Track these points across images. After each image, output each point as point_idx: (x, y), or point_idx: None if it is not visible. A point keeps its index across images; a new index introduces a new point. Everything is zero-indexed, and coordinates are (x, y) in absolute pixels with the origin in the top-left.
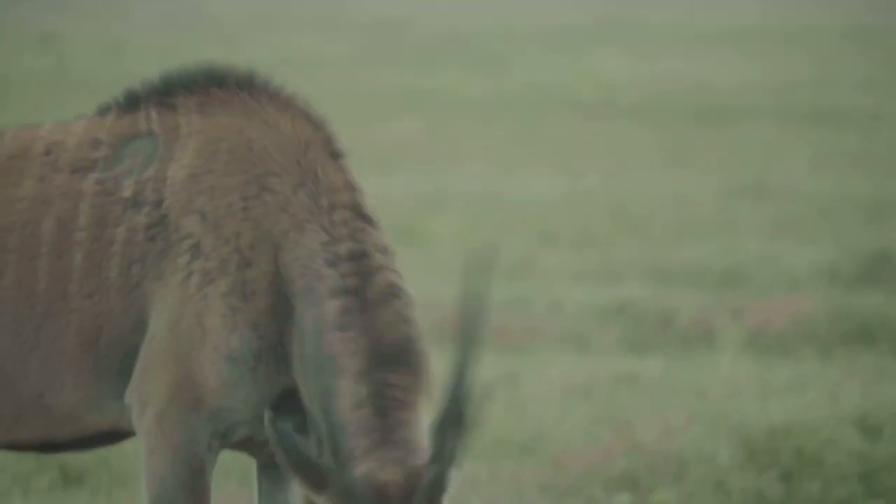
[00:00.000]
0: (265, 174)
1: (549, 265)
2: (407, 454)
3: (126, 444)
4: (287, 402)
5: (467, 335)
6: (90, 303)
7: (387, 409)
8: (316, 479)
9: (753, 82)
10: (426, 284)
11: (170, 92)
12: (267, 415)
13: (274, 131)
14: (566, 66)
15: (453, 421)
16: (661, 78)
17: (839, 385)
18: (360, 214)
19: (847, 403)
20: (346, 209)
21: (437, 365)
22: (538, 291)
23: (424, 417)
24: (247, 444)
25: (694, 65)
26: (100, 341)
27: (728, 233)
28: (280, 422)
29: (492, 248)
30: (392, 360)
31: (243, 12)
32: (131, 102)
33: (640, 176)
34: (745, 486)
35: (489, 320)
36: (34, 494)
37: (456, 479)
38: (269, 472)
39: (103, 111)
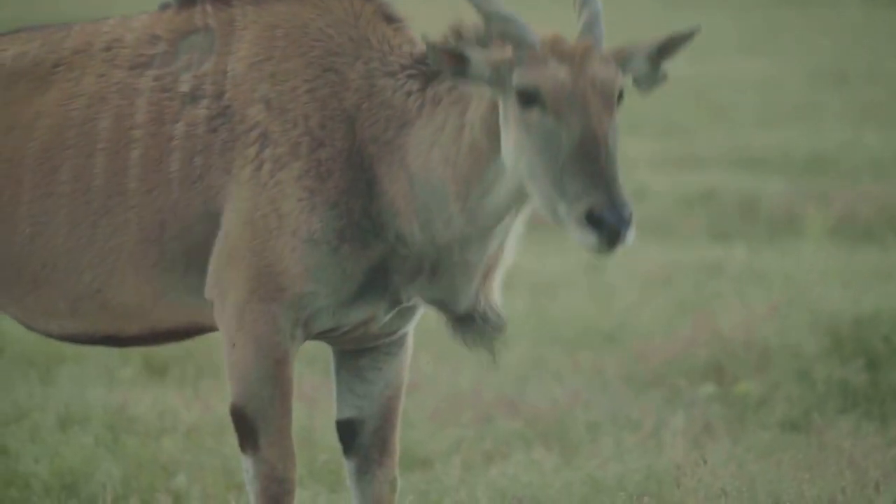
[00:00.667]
0: (324, 54)
1: (633, 153)
2: None
3: (211, 336)
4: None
5: None
6: (150, 198)
7: None
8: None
9: None
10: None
11: None
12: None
13: (326, 12)
14: None
15: None
16: None
17: None
18: (417, 61)
19: None
20: (402, 61)
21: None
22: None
23: None
24: (330, 335)
25: None
26: (163, 236)
27: (813, 118)
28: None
29: None
30: None
31: None
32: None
33: (722, 62)
34: (830, 376)
35: None
36: (119, 385)
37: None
38: (349, 363)
39: (163, 6)
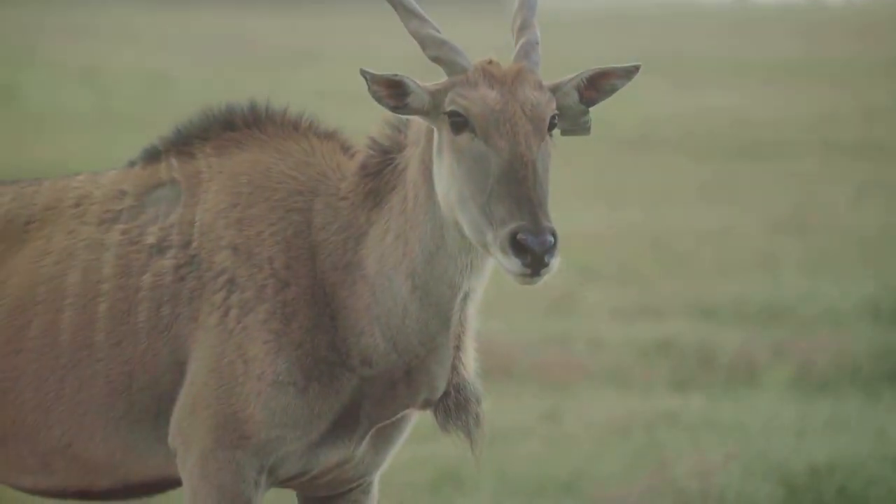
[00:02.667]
0: (287, 196)
1: (591, 301)
2: None
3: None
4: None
5: None
6: (118, 350)
7: None
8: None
9: (794, 116)
10: None
11: (186, 141)
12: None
13: (286, 155)
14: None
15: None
16: (702, 112)
17: (883, 423)
18: (361, 172)
19: (892, 442)
20: (351, 182)
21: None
22: (579, 328)
23: None
24: (301, 480)
25: (735, 99)
26: (131, 387)
27: (770, 268)
28: None
29: None
30: None
31: (286, 45)
32: (153, 155)
33: (681, 210)
34: None
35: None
36: None
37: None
38: None
39: (131, 164)
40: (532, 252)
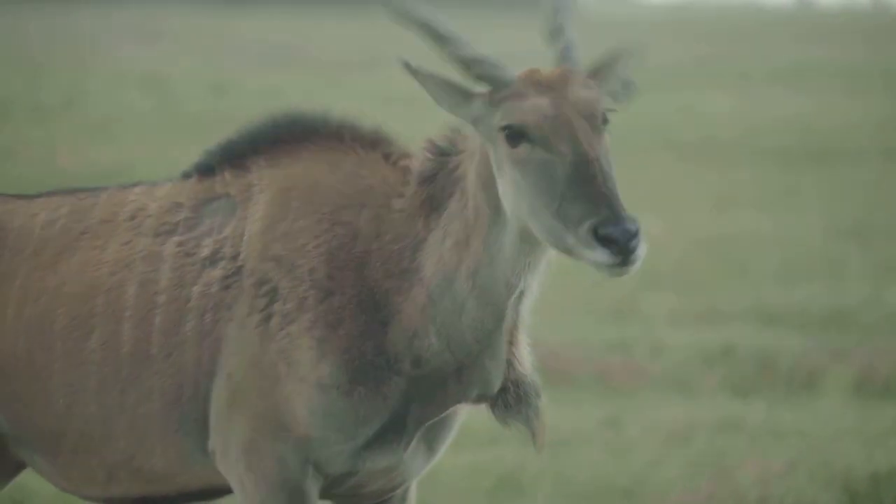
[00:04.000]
0: (334, 209)
1: (651, 307)
2: None
3: None
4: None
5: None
6: (170, 362)
7: None
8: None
9: (857, 122)
10: (529, 325)
11: (241, 153)
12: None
13: (335, 167)
14: (668, 106)
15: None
16: (764, 117)
17: None
18: (416, 181)
19: None
20: (402, 193)
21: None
22: (640, 334)
23: None
24: (351, 488)
25: (797, 104)
26: (181, 399)
27: (832, 275)
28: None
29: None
30: None
31: (350, 51)
32: (208, 168)
33: (742, 216)
34: None
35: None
36: None
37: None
38: None
39: (186, 176)
40: (617, 242)
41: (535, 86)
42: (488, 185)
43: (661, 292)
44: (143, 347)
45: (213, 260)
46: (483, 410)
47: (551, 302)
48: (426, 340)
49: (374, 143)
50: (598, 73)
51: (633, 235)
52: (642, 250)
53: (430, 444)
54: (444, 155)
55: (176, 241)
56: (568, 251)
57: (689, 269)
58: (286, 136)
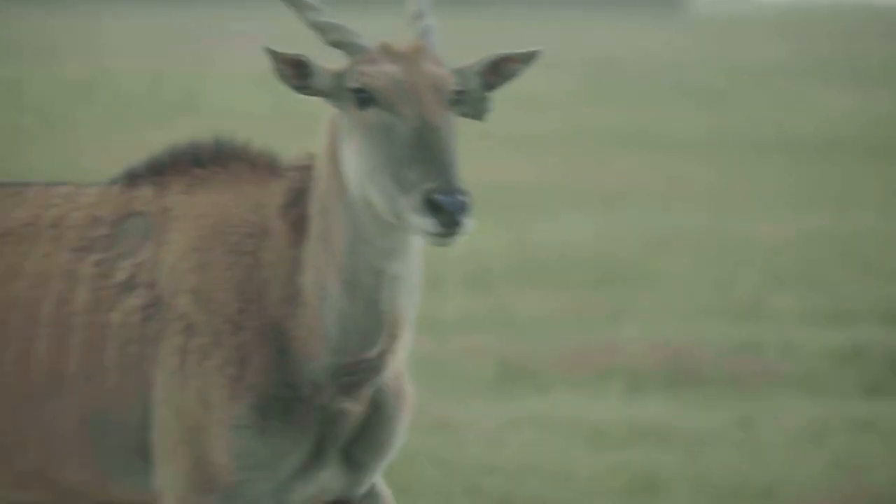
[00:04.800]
0: (241, 239)
1: (779, 307)
2: None
3: None
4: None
5: None
6: (89, 385)
7: None
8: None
9: None
10: (651, 326)
11: (161, 171)
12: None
13: (243, 196)
14: (786, 103)
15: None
16: (883, 114)
17: None
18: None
19: None
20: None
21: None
22: (769, 334)
23: None
24: None
25: None
26: (103, 422)
27: None
28: None
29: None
30: None
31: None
32: (132, 180)
33: (867, 214)
34: None
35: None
36: None
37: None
38: None
39: (112, 182)
40: (446, 211)
41: (389, 54)
42: (335, 162)
43: (788, 292)
44: (58, 367)
45: (129, 286)
46: (612, 411)
47: (677, 303)
48: (319, 362)
49: (282, 172)
50: (462, 69)
51: (462, 207)
52: (469, 223)
53: (354, 459)
54: (302, 183)
55: (93, 259)
56: (398, 215)
57: (813, 267)
58: (205, 160)
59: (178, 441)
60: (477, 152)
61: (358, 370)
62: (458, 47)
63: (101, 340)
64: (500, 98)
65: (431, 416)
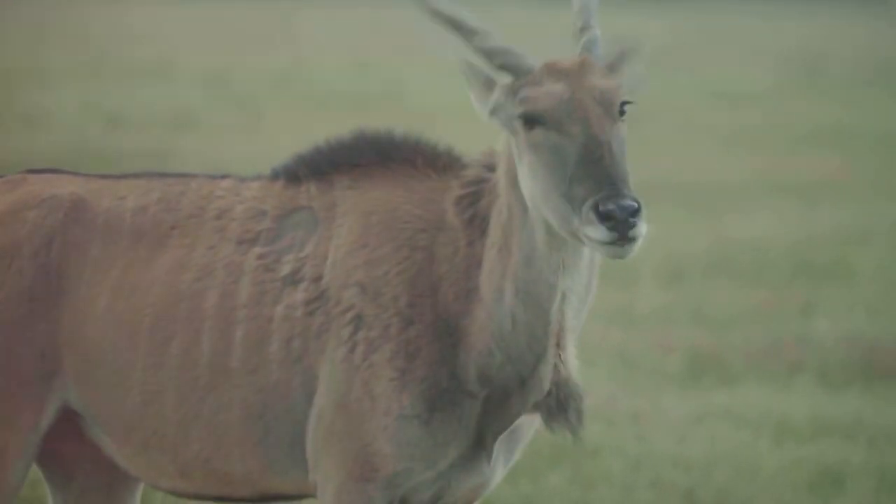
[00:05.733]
0: (412, 234)
1: None
2: None
3: None
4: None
5: None
6: (253, 378)
7: None
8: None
9: None
10: (849, 320)
11: (324, 168)
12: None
13: (411, 192)
14: None
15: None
16: None
17: None
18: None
19: None
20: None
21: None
22: None
23: None
24: None
25: None
26: (265, 416)
27: None
28: None
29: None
30: None
31: (662, 42)
32: (295, 175)
33: None
34: None
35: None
36: None
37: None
38: None
39: (274, 175)
40: (616, 218)
41: (553, 73)
42: (514, 180)
43: None
44: (222, 360)
45: (294, 280)
46: (800, 405)
47: (872, 297)
48: (490, 358)
49: (446, 166)
50: (614, 66)
51: (633, 212)
52: (642, 229)
53: (508, 453)
54: (479, 182)
55: (257, 252)
56: (574, 233)
57: None
58: (365, 158)
59: (340, 432)
60: (673, 147)
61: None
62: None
63: (264, 334)
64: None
65: (620, 408)
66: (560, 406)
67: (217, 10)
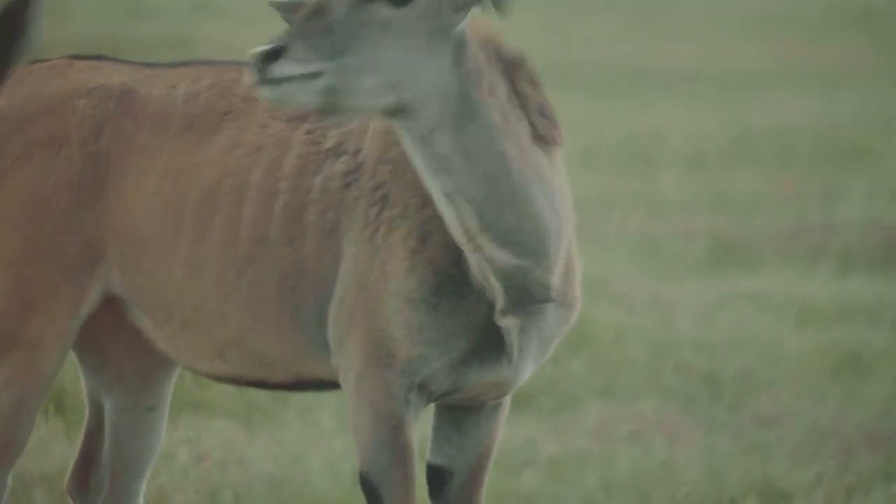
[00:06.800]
0: None
1: None
2: None
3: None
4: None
5: None
6: (289, 250)
7: None
8: None
9: None
10: (872, 205)
11: None
12: None
13: None
14: None
15: None
16: None
17: None
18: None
19: None
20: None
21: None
22: None
23: None
24: (451, 396)
25: None
26: (299, 289)
27: None
28: None
29: None
30: None
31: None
32: None
33: None
34: None
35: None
36: None
37: None
38: (451, 413)
39: None
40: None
41: None
42: None
43: None
44: (262, 230)
45: (336, 152)
46: (823, 289)
47: (890, 182)
48: (490, 251)
49: (515, 62)
50: None
51: (265, 56)
52: (279, 69)
53: (539, 351)
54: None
55: (306, 128)
56: None
57: None
58: None
59: (359, 315)
60: (695, 35)
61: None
62: None
63: (303, 204)
64: None
65: (643, 294)
66: (517, 298)
67: None
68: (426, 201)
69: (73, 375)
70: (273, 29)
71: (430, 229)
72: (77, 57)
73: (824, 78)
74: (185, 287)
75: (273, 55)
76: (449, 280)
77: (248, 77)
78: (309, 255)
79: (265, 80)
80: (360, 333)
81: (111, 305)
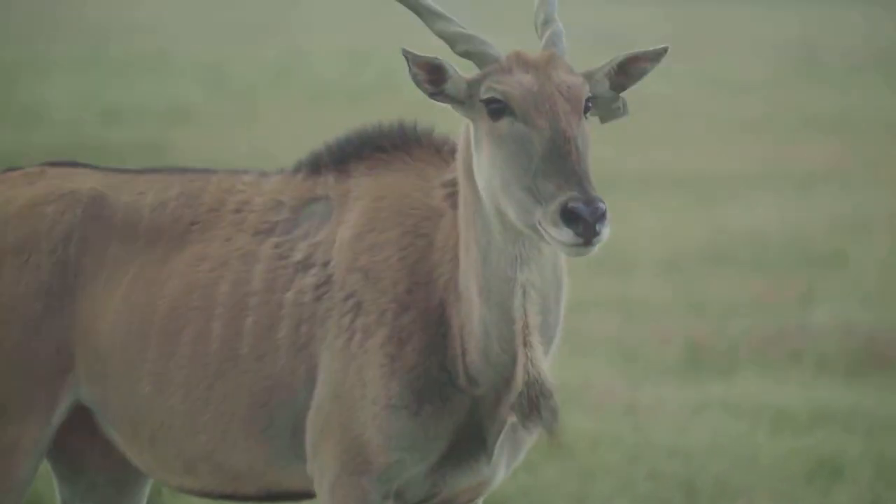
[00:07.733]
0: (418, 221)
1: None
2: None
3: None
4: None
5: None
6: (260, 364)
7: None
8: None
9: None
10: (848, 309)
11: (345, 158)
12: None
13: (424, 180)
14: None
15: None
16: None
17: None
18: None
19: None
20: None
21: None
22: None
23: None
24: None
25: None
26: (271, 403)
27: None
28: None
29: None
30: None
31: (661, 31)
32: (316, 166)
33: None
34: None
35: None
36: None
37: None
38: None
39: (297, 168)
40: (584, 220)
41: (521, 64)
42: (469, 171)
43: None
44: (232, 346)
45: (305, 265)
46: (799, 395)
47: (870, 286)
48: (471, 358)
49: (444, 151)
50: (591, 73)
51: (600, 216)
52: (606, 233)
53: (513, 453)
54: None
55: (273, 242)
56: (533, 228)
57: None
58: (388, 145)
59: (335, 422)
60: (672, 136)
61: (534, 396)
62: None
63: (274, 320)
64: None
65: (618, 399)
66: (532, 405)
67: (213, 1)
68: (404, 307)
69: (48, 483)
70: (241, 137)
71: (410, 333)
72: (51, 164)
73: (799, 181)
74: (151, 402)
75: (603, 216)
76: (433, 383)
77: (567, 235)
78: (282, 369)
79: (597, 243)
80: (335, 440)
81: (84, 415)
